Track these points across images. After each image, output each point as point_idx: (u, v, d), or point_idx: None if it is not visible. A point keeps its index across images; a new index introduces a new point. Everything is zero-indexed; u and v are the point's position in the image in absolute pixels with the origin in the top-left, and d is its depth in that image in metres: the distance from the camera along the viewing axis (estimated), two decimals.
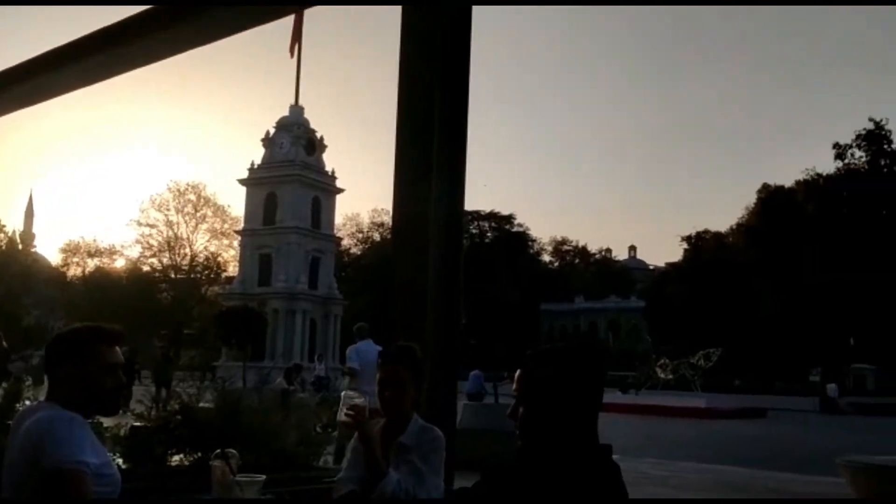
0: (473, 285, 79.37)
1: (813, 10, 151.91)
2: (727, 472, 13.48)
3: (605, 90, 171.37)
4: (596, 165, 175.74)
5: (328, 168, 52.09)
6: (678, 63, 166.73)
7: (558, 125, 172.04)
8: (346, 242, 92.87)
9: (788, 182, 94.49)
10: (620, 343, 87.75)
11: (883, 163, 76.55)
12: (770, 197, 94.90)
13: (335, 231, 57.78)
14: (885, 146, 76.99)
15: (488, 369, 30.34)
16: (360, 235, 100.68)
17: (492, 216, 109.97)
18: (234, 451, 3.13)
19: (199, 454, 4.24)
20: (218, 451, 3.09)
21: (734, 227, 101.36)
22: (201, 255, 79.45)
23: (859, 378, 57.97)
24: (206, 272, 79.50)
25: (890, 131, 75.94)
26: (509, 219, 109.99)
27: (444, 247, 4.53)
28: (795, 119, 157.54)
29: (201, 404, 4.65)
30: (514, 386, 2.30)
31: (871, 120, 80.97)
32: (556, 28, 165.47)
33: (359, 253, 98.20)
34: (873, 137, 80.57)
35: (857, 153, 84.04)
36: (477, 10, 4.37)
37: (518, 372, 2.27)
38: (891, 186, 73.79)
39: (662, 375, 36.11)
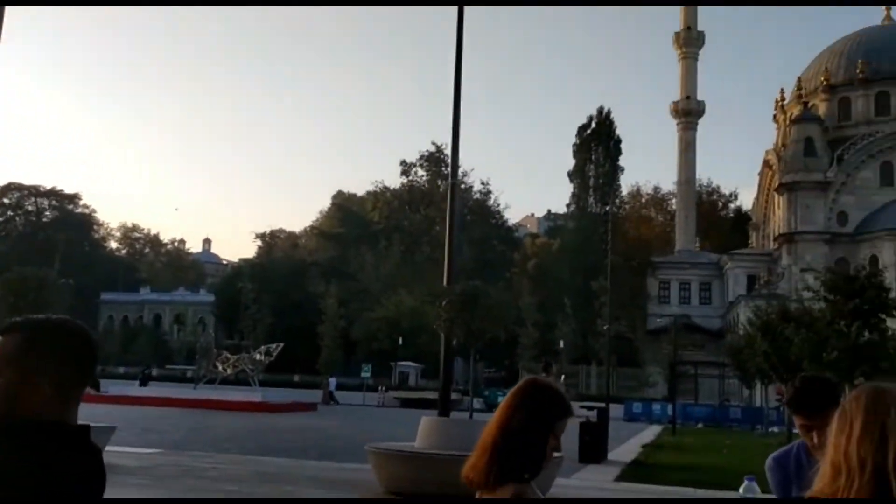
0: (24, 267, 71.44)
1: (377, 43, 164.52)
2: (269, 462, 13.88)
3: (189, 80, 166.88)
4: (174, 154, 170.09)
5: None
6: (264, 63, 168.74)
7: (139, 108, 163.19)
8: None
9: (361, 191, 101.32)
10: (186, 336, 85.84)
11: (439, 183, 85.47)
12: (343, 203, 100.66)
13: None
14: (443, 168, 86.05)
15: None
16: None
17: (53, 193, 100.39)
18: None
19: None
20: None
21: (308, 228, 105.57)
22: None
23: (404, 375, 63.82)
24: None
25: (447, 155, 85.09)
26: (74, 198, 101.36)
27: None
28: (372, 132, 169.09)
29: None
30: None
31: (433, 143, 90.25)
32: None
33: None
34: (434, 159, 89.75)
35: (420, 172, 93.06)
36: None
37: None
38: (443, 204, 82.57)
39: (222, 369, 36.03)
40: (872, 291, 24.07)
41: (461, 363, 51.93)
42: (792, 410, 3.35)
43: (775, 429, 34.90)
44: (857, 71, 71.54)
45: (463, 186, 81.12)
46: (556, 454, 2.54)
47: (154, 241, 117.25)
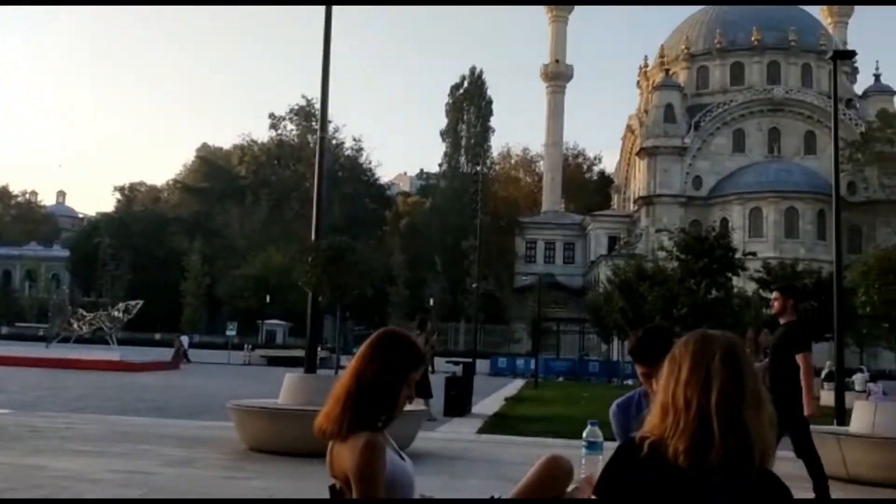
0: None
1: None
2: (126, 421, 13.46)
3: (45, 20, 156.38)
4: (25, 100, 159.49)
5: None
6: (126, 7, 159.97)
7: None
8: None
9: (227, 144, 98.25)
10: (38, 293, 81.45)
11: (310, 138, 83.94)
12: (208, 156, 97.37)
13: None
14: (314, 123, 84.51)
15: None
16: None
17: None
18: None
19: None
20: None
21: (171, 182, 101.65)
22: None
23: (271, 333, 63.11)
24: None
25: (318, 109, 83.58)
26: None
27: None
28: (239, 83, 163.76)
29: None
30: None
31: (303, 97, 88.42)
32: None
33: None
34: (305, 114, 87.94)
35: (290, 126, 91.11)
36: None
37: None
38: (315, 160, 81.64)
39: (78, 327, 34.50)
40: (720, 251, 25.56)
41: (331, 321, 51.73)
42: (633, 359, 3.53)
43: (630, 381, 36.79)
44: (715, 41, 74.97)
45: (334, 142, 79.98)
46: (417, 408, 2.59)
47: (2, 192, 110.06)
